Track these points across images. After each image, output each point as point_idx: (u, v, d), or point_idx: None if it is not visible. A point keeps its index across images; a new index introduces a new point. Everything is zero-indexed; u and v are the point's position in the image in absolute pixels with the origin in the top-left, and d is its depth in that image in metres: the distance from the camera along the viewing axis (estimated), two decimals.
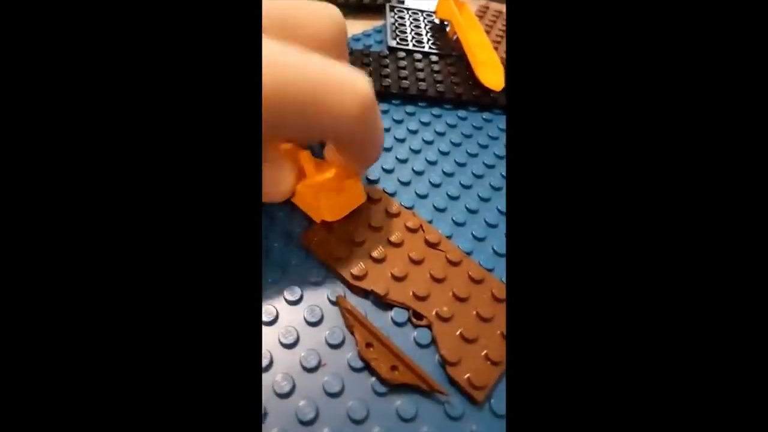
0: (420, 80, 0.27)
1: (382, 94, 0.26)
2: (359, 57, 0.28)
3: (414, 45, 0.30)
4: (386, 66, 0.27)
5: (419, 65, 0.28)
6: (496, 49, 0.31)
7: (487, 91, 0.28)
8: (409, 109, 0.26)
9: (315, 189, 0.18)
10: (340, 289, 0.17)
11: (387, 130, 0.25)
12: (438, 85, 0.27)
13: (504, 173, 0.24)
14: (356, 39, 0.31)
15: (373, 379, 0.15)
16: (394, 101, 0.26)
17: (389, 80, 0.26)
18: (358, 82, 0.14)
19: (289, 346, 0.16)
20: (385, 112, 0.26)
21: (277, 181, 0.16)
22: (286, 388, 0.15)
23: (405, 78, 0.27)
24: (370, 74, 0.26)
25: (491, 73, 0.28)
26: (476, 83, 0.28)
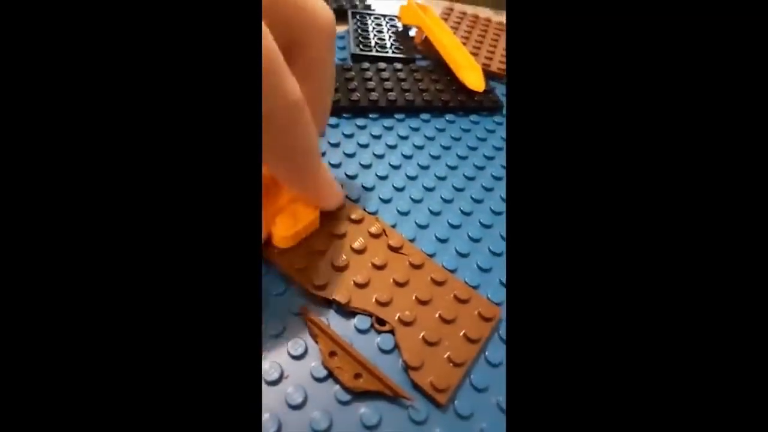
0: (405, 90, 0.27)
1: (352, 109, 0.26)
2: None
3: (377, 51, 0.30)
4: (351, 79, 0.27)
5: (385, 75, 0.28)
6: None
7: (471, 94, 0.28)
8: (373, 114, 0.26)
9: (270, 214, 0.17)
10: (302, 300, 0.17)
11: (350, 136, 0.25)
12: (424, 93, 0.27)
13: (467, 174, 0.24)
14: None
15: (337, 387, 0.15)
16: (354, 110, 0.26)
17: (357, 93, 0.26)
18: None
19: None
20: (348, 119, 0.26)
21: None
22: None
23: (390, 90, 0.27)
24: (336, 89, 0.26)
25: (472, 74, 0.29)
26: (459, 87, 0.28)
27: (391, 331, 0.17)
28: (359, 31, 0.32)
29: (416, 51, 0.32)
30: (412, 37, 0.33)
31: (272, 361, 0.15)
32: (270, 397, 0.15)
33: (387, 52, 0.31)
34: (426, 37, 0.31)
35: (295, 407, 0.15)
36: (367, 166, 0.23)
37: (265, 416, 0.14)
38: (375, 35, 0.32)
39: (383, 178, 0.23)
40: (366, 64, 0.28)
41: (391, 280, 0.18)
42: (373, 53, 0.30)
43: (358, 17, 0.33)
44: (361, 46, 0.30)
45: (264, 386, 0.15)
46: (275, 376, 0.15)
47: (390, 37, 0.32)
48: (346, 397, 0.15)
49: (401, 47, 0.31)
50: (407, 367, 0.16)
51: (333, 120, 0.25)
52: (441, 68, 0.30)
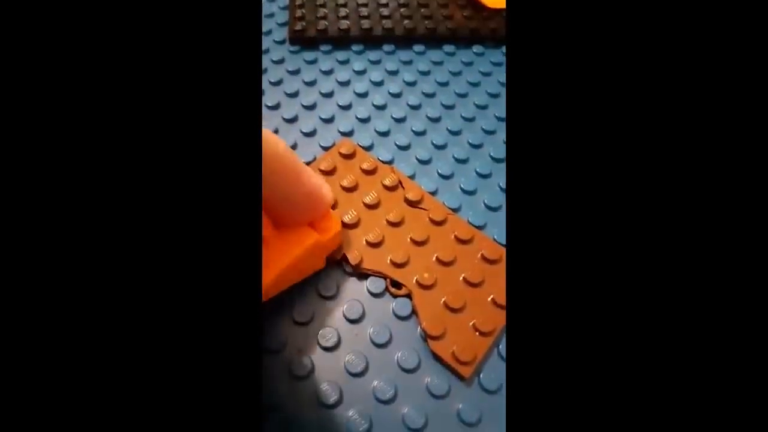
0: (426, 18, 0.23)
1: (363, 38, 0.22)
2: None
3: None
4: (343, 5, 0.23)
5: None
6: None
7: (484, 17, 0.24)
8: (388, 47, 0.23)
9: None
10: None
11: (361, 72, 0.21)
12: (427, 21, 0.23)
13: (498, 114, 0.20)
14: None
15: (347, 357, 0.14)
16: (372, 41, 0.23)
17: (370, 21, 0.23)
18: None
19: None
20: (359, 53, 0.22)
21: None
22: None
23: (409, 17, 0.23)
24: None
25: None
26: (473, 4, 0.24)
27: (408, 295, 0.15)
28: None
29: None
30: None
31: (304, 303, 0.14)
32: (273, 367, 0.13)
33: None
34: None
35: (300, 378, 0.13)
36: (382, 107, 0.20)
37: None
38: None
39: (400, 120, 0.20)
40: None
41: (408, 239, 0.16)
42: None
43: None
44: None
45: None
46: (276, 346, 0.14)
47: None
48: (357, 368, 0.14)
49: None
50: (426, 336, 0.14)
51: (342, 55, 0.22)
52: None
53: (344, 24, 0.22)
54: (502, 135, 0.20)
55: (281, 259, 0.13)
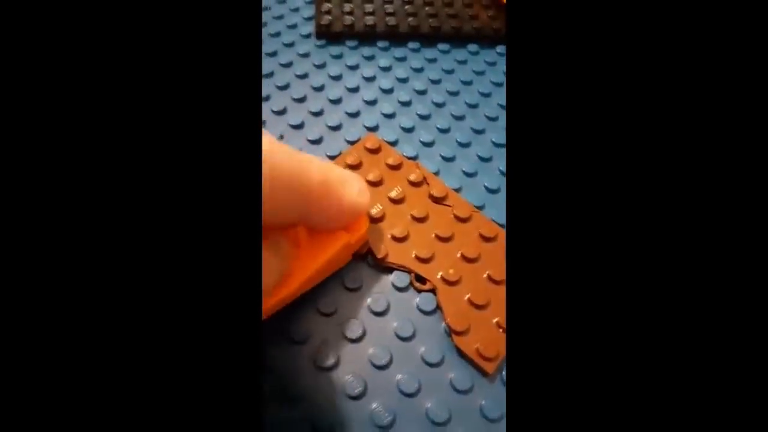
0: (451, 17, 0.23)
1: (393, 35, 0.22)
2: None
3: None
4: (369, 1, 0.24)
5: None
6: None
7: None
8: (413, 44, 0.23)
9: None
10: None
11: (386, 68, 0.22)
12: (452, 20, 0.23)
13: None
14: None
15: (371, 351, 0.14)
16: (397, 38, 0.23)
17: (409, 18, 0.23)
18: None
19: None
20: (385, 49, 0.22)
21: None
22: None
23: (434, 15, 0.23)
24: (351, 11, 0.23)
25: None
26: (497, 4, 0.24)
27: (433, 290, 0.15)
28: None
29: None
30: None
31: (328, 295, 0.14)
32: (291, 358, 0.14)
33: None
34: None
35: (325, 369, 0.13)
36: (407, 104, 0.20)
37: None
38: None
39: (424, 117, 0.20)
40: None
41: (433, 235, 0.16)
42: None
43: None
44: None
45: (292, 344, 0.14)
46: (303, 336, 0.14)
47: None
48: (381, 361, 0.14)
49: None
50: (451, 332, 0.14)
51: (367, 51, 0.22)
52: None
53: (370, 20, 0.22)
54: None
55: (313, 261, 0.13)
